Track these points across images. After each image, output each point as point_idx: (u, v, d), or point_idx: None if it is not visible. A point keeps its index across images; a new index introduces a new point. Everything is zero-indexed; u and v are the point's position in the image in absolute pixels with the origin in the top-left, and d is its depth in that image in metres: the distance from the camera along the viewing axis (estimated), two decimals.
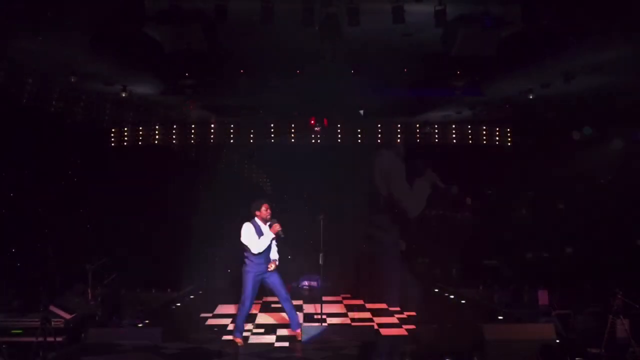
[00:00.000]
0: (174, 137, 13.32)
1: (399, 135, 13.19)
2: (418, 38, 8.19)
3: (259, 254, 7.52)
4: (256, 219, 7.62)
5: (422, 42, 8.28)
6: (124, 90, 9.38)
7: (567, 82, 8.89)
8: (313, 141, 13.16)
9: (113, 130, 13.29)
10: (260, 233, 7.54)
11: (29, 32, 7.09)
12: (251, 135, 13.25)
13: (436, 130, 13.41)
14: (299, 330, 7.91)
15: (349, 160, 12.59)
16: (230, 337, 8.03)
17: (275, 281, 7.71)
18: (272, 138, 13.11)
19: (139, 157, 13.02)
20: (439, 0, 6.88)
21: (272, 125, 12.99)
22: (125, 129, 13.30)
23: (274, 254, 7.81)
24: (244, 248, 7.60)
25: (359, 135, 13.18)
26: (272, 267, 7.68)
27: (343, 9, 6.95)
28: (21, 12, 6.52)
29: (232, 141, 13.39)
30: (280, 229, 7.52)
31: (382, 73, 9.54)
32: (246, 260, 7.63)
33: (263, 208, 7.62)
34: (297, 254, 11.90)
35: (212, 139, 13.38)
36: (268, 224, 7.61)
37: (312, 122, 11.36)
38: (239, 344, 7.66)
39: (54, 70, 8.18)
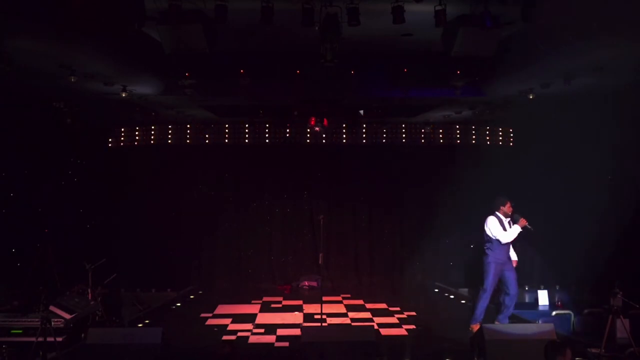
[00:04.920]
0: (185, 136, 13.36)
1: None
2: (418, 38, 8.19)
3: (502, 245, 7.98)
4: (498, 213, 8.05)
5: (422, 42, 8.27)
6: (124, 90, 9.36)
7: (567, 82, 8.87)
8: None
9: (115, 130, 13.27)
10: (503, 226, 8.01)
11: (29, 32, 7.08)
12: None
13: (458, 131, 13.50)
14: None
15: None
16: (230, 337, 8.02)
17: (512, 276, 8.07)
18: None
19: (143, 157, 13.02)
20: (439, 0, 6.89)
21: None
22: (135, 128, 13.28)
23: (513, 255, 8.25)
24: (488, 239, 8.04)
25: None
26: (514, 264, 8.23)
27: (343, 9, 6.95)
28: (21, 12, 6.51)
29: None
30: (527, 222, 7.94)
31: (383, 73, 9.53)
32: (488, 251, 8.06)
33: (508, 204, 8.09)
34: None
35: (207, 138, 13.36)
36: (508, 219, 8.07)
37: (312, 122, 11.32)
38: (474, 330, 7.92)
39: (54, 70, 8.15)
